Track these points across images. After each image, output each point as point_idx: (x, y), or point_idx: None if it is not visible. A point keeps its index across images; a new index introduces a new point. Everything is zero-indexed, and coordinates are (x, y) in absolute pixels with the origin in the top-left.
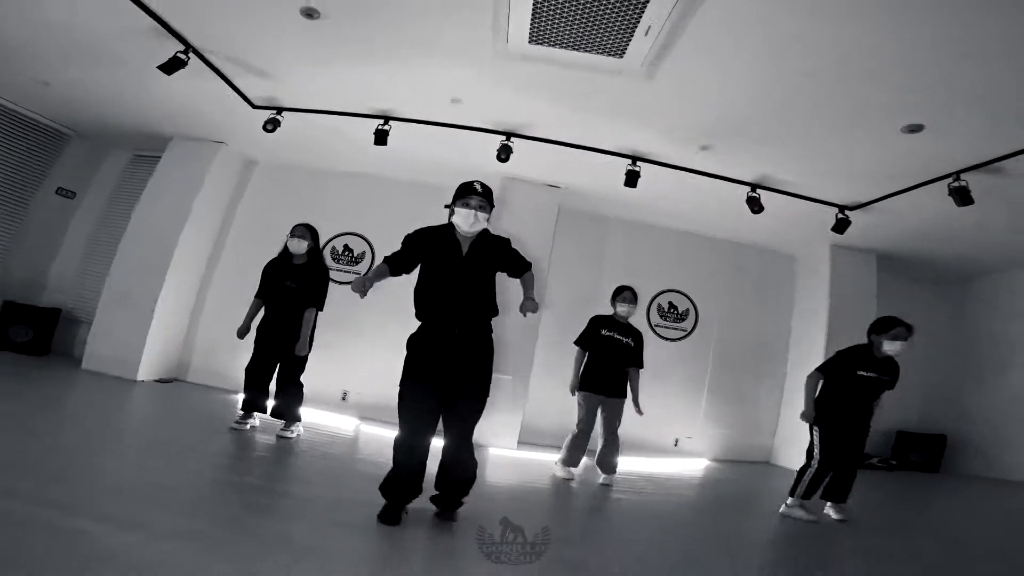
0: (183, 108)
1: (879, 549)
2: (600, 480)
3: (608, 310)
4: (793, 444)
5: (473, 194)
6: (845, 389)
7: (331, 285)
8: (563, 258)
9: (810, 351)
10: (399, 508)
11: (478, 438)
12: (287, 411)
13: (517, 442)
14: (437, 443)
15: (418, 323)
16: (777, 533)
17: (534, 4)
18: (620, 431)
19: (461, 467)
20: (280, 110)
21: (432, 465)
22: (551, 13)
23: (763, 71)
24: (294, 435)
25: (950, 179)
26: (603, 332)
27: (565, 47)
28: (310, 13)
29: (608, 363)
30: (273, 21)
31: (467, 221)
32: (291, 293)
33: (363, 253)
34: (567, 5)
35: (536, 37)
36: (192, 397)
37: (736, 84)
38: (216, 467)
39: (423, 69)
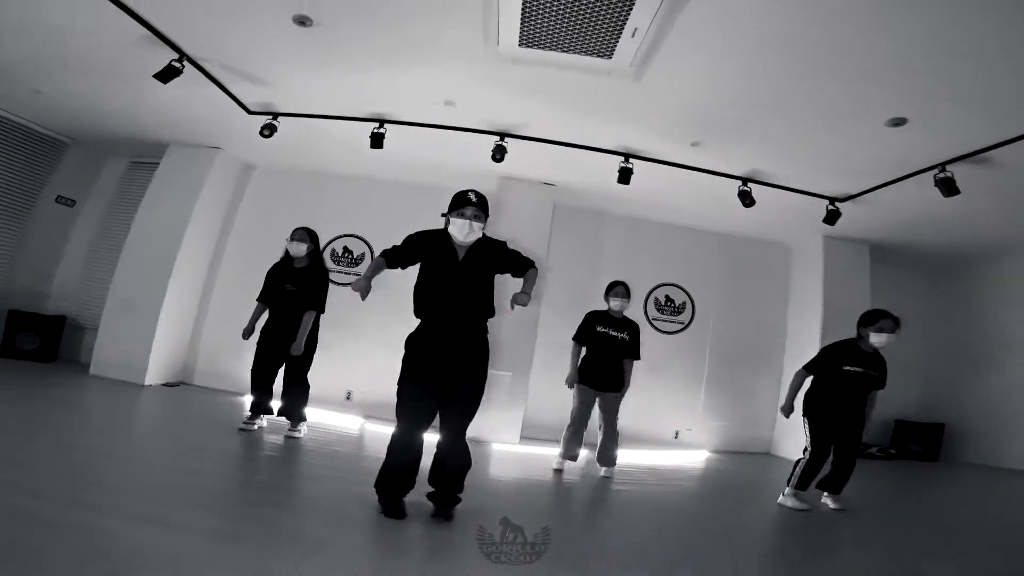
0: (179, 115)
1: (877, 538)
2: (601, 473)
3: (603, 305)
4: (792, 435)
5: (468, 204)
6: (833, 384)
7: (332, 287)
8: (560, 255)
9: (807, 342)
10: (398, 502)
11: (482, 434)
12: (293, 411)
13: (519, 437)
14: (431, 439)
15: (417, 322)
16: (775, 523)
17: (523, 8)
18: (620, 424)
19: (455, 460)
20: (276, 115)
21: (426, 460)
22: (539, 17)
23: (748, 69)
24: (301, 434)
25: (936, 170)
26: (598, 329)
27: (554, 49)
28: (303, 21)
29: (604, 358)
30: (266, 29)
31: (462, 231)
32: (291, 296)
33: (362, 255)
34: (555, 9)
35: (526, 40)
36: (199, 400)
37: (723, 82)
38: (227, 466)
39: (416, 73)
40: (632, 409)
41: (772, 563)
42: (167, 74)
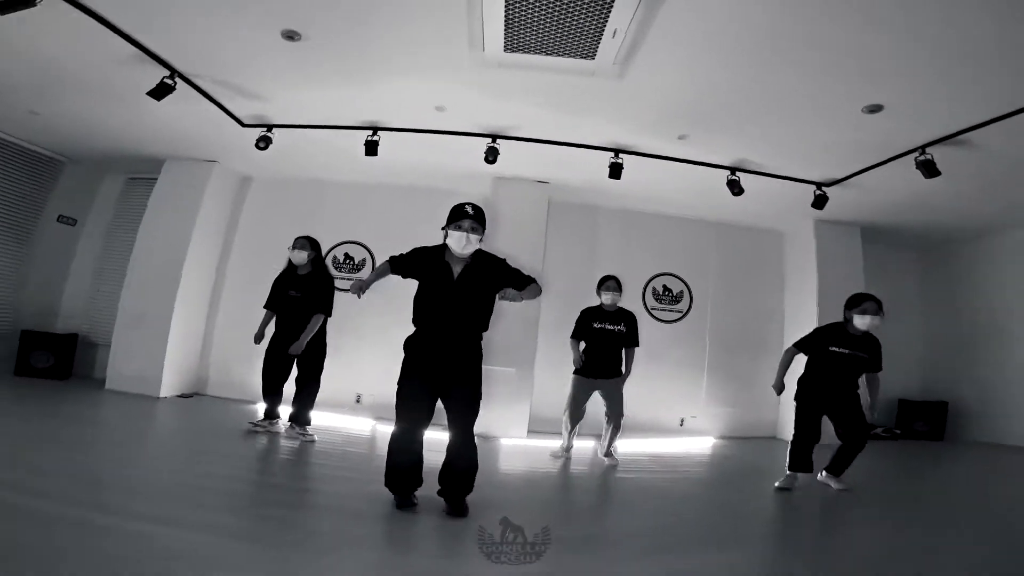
0: (174, 130)
1: (884, 518)
2: (606, 462)
3: (597, 301)
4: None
5: (465, 217)
6: (821, 365)
7: (337, 292)
8: (557, 250)
9: (804, 326)
10: (408, 496)
11: (490, 430)
12: (300, 415)
13: (527, 431)
14: (433, 437)
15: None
16: (779, 506)
17: (506, 15)
18: (625, 413)
19: (463, 460)
20: (270, 127)
21: (435, 458)
22: (522, 22)
23: (727, 63)
24: (313, 436)
25: (916, 153)
26: (595, 325)
27: (539, 53)
28: (291, 36)
29: (603, 351)
30: (256, 45)
31: (460, 243)
32: (295, 302)
33: (363, 260)
34: (536, 14)
35: (511, 45)
36: (213, 409)
37: (704, 76)
38: (244, 469)
39: (406, 82)
40: (636, 398)
41: (778, 545)
42: (160, 91)
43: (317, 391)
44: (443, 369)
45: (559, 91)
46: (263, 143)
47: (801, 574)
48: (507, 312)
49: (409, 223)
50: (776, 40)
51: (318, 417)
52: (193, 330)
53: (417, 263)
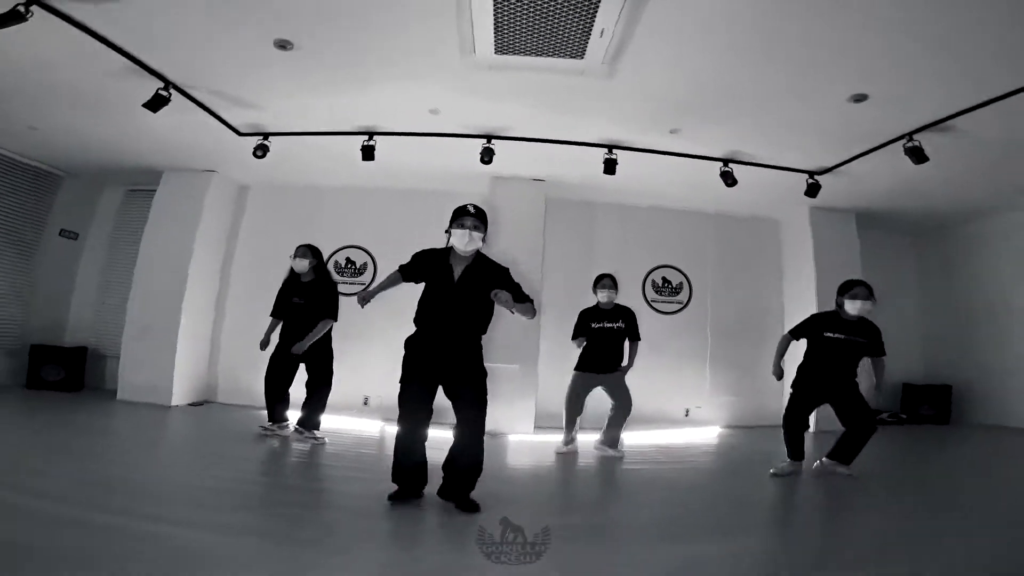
0: (171, 141)
1: (890, 503)
2: (610, 454)
3: (595, 299)
4: None
5: (467, 215)
6: (816, 352)
7: (341, 297)
8: (556, 247)
9: (804, 313)
10: (409, 492)
11: (497, 426)
12: (311, 419)
13: (534, 427)
14: (442, 436)
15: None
16: (785, 493)
17: (495, 18)
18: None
19: (466, 458)
20: (267, 135)
21: (440, 455)
22: (511, 25)
23: (714, 57)
24: (324, 439)
25: (904, 140)
26: (593, 325)
27: (529, 54)
28: (284, 45)
29: (604, 349)
30: (248, 55)
31: (463, 241)
32: (299, 309)
33: (365, 264)
34: (525, 16)
35: (501, 48)
36: (224, 416)
37: (692, 71)
38: (259, 472)
39: (399, 86)
40: (641, 389)
41: (785, 532)
42: (155, 103)
43: (328, 396)
44: (441, 369)
45: (551, 91)
46: (260, 151)
47: (809, 560)
48: (508, 310)
49: (408, 225)
50: (759, 34)
51: (327, 420)
52: (200, 339)
53: (422, 265)
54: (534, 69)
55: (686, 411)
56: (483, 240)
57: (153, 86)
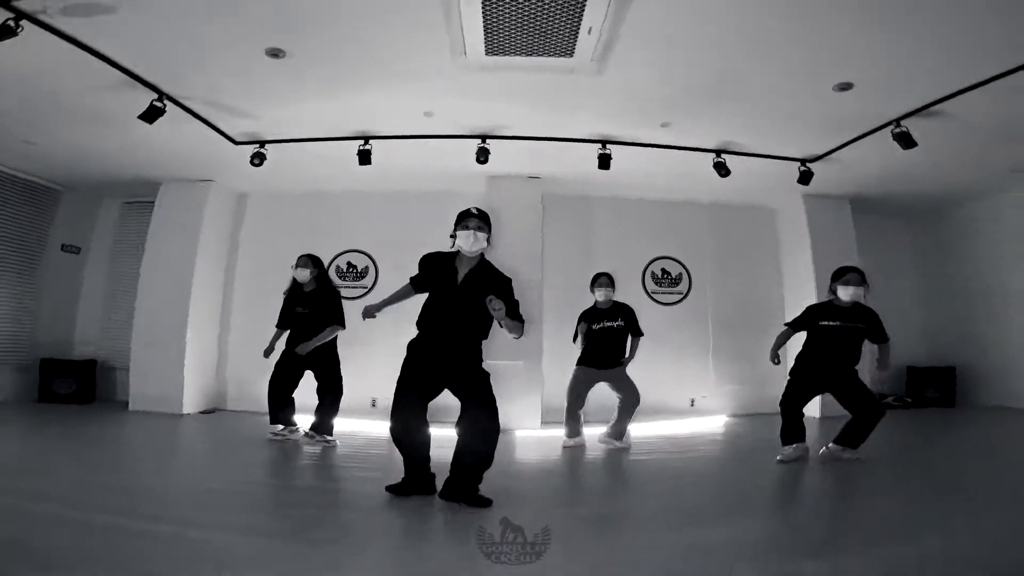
0: (168, 152)
1: (897, 487)
2: (616, 445)
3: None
4: None
5: (470, 217)
6: (814, 341)
7: (344, 301)
8: (554, 243)
9: (803, 299)
10: (416, 488)
11: (504, 422)
12: (323, 424)
13: (540, 422)
14: (443, 434)
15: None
16: (789, 479)
17: (484, 20)
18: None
19: (470, 456)
20: (263, 143)
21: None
22: (500, 26)
23: (700, 52)
24: (335, 441)
25: (892, 126)
26: (594, 327)
27: (519, 54)
28: (275, 53)
29: (606, 346)
30: (241, 64)
31: (468, 241)
32: (303, 318)
33: (366, 268)
34: (513, 17)
35: (492, 49)
36: (234, 422)
37: (679, 66)
38: (273, 474)
39: (392, 91)
40: (645, 381)
41: (794, 516)
42: (151, 114)
43: (339, 402)
44: (441, 372)
45: (542, 89)
46: (257, 159)
47: (817, 544)
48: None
49: (408, 227)
50: (743, 28)
51: (336, 423)
52: (207, 348)
53: (429, 268)
54: (525, 69)
55: (691, 401)
56: (488, 241)
57: (147, 98)
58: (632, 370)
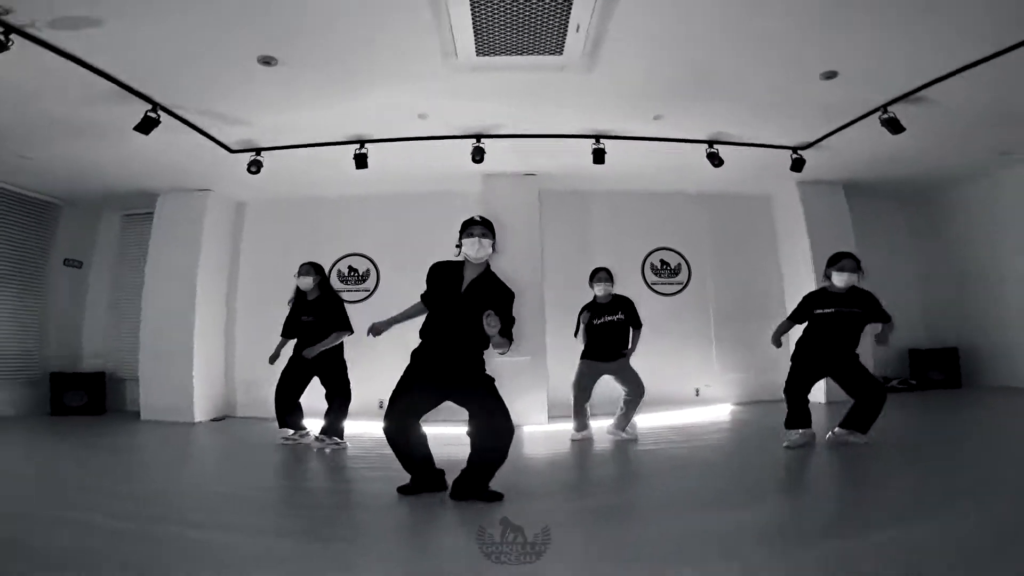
0: (164, 163)
1: (905, 470)
2: (623, 437)
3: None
4: None
5: (475, 224)
6: (812, 329)
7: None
8: (553, 239)
9: (803, 285)
10: (425, 486)
11: (513, 419)
12: (333, 427)
13: (548, 417)
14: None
15: None
16: (797, 464)
17: (473, 21)
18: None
19: (491, 447)
20: (259, 151)
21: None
22: (490, 26)
23: (688, 45)
24: (345, 443)
25: (879, 112)
26: (595, 322)
27: (510, 53)
28: (268, 61)
29: (608, 340)
30: (233, 72)
31: (473, 248)
32: (309, 326)
33: (367, 271)
34: (502, 17)
35: (482, 49)
36: (245, 428)
37: (666, 60)
38: (287, 477)
39: (385, 95)
40: (649, 372)
41: (803, 499)
42: (146, 125)
43: (348, 406)
44: (443, 382)
45: (534, 87)
46: (255, 167)
47: (825, 526)
48: (516, 301)
49: (407, 229)
50: (727, 20)
51: (346, 426)
52: (214, 356)
53: (436, 277)
54: (516, 68)
55: (696, 391)
56: (493, 247)
57: (140, 108)
58: (635, 361)
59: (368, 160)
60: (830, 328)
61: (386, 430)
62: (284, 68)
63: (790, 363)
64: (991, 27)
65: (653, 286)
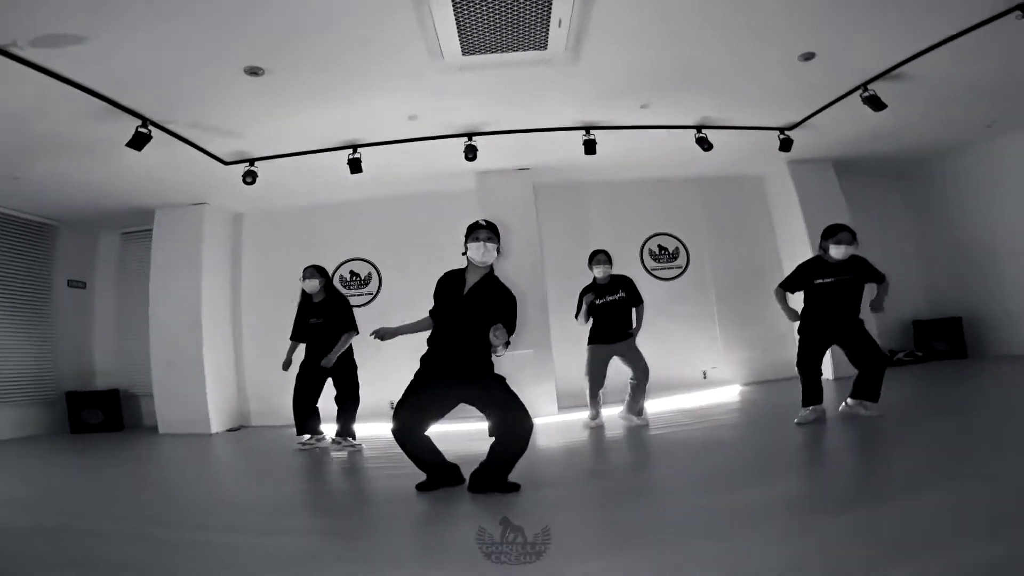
0: (158, 178)
1: (915, 442)
2: (635, 422)
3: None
4: None
5: (480, 228)
6: (812, 299)
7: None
8: (551, 231)
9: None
10: (442, 482)
11: None
12: (345, 428)
13: (558, 407)
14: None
15: None
16: (807, 440)
17: (456, 22)
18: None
19: (514, 440)
20: (252, 161)
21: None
22: (473, 26)
23: (668, 33)
24: (360, 445)
25: (859, 91)
26: (597, 302)
27: (494, 51)
28: (255, 71)
29: (611, 320)
30: (221, 84)
31: (479, 252)
32: (317, 329)
33: (369, 274)
34: (484, 16)
35: (467, 49)
36: (261, 437)
37: (649, 48)
38: (309, 480)
39: (374, 98)
40: (655, 356)
41: (816, 474)
42: (138, 141)
43: (358, 404)
44: (453, 386)
45: (521, 83)
46: (250, 178)
47: (841, 499)
48: (519, 298)
49: (405, 230)
50: (705, 6)
51: (359, 428)
52: (225, 367)
53: (441, 287)
54: (502, 65)
55: (703, 373)
56: (498, 251)
57: (130, 124)
58: (641, 346)
59: (362, 164)
60: (831, 297)
61: (394, 430)
62: (272, 78)
63: (798, 335)
64: (964, 1)
65: (653, 272)
